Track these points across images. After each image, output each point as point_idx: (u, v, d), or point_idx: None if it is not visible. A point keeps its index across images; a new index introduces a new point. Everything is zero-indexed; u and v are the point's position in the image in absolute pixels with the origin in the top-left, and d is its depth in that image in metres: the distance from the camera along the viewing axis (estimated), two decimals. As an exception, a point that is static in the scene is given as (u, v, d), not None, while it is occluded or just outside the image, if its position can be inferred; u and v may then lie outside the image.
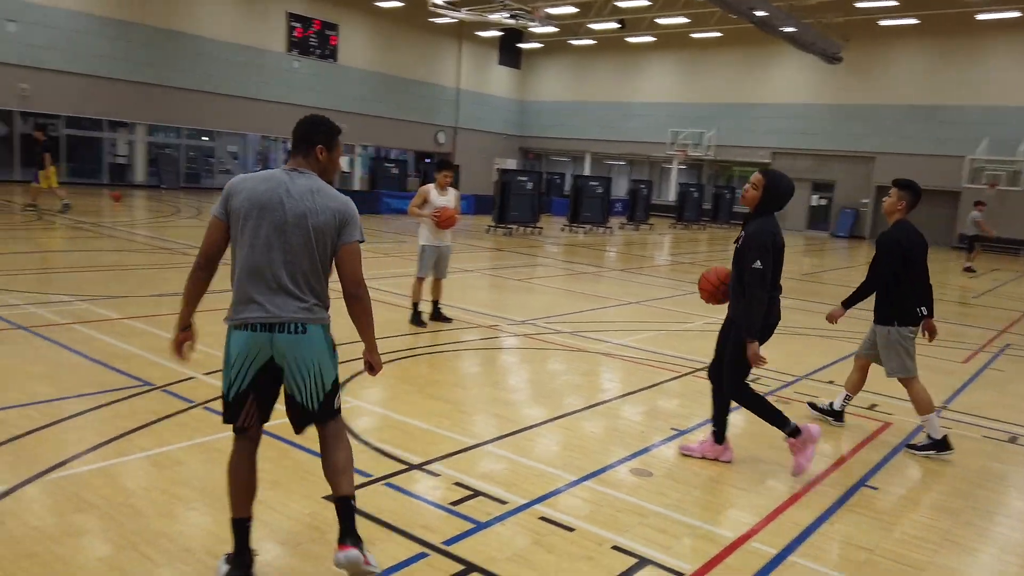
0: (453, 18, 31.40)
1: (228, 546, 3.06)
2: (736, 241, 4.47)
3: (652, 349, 7.70)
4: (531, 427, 5.17)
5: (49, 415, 4.62)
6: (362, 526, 3.22)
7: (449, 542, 3.45)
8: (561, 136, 40.41)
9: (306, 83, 30.68)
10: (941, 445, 5.06)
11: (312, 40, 30.81)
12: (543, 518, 3.78)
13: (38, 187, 16.07)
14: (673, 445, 4.98)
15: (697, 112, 34.89)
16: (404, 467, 4.27)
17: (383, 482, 4.05)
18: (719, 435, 4.74)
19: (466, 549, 3.41)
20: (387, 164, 27.97)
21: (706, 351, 7.65)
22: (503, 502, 3.92)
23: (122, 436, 4.38)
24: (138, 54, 25.48)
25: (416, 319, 7.90)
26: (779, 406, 4.64)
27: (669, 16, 30.45)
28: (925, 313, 5.23)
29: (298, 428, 3.11)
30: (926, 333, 5.33)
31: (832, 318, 5.46)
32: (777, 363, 6.99)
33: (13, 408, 4.71)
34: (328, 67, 31.48)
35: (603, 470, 4.48)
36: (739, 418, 5.32)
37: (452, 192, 7.96)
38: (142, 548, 3.22)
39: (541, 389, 6.18)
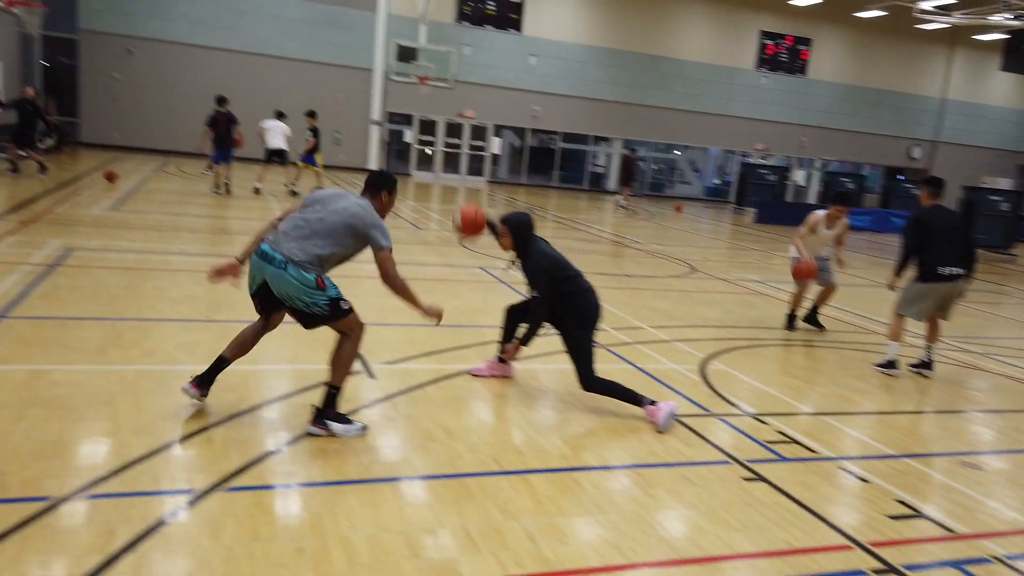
0: (944, 23, 28.77)
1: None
2: None
3: (1077, 383, 6.95)
4: (868, 413, 5.57)
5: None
6: (691, 441, 4.35)
7: (751, 461, 4.36)
8: (1083, 153, 33.56)
9: (771, 98, 31.45)
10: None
11: (782, 56, 31.39)
12: (843, 469, 4.40)
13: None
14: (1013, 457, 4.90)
15: None
16: (738, 413, 5.22)
17: (717, 417, 5.08)
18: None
19: (762, 469, 4.28)
20: (842, 179, 27.13)
21: None
22: (813, 451, 4.62)
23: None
24: (625, 78, 29.39)
25: (790, 324, 8.08)
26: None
27: None
28: None
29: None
30: None
31: None
32: None
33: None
34: (796, 82, 31.70)
35: (928, 455, 4.77)
36: None
37: (842, 223, 7.78)
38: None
39: (900, 387, 6.34)
